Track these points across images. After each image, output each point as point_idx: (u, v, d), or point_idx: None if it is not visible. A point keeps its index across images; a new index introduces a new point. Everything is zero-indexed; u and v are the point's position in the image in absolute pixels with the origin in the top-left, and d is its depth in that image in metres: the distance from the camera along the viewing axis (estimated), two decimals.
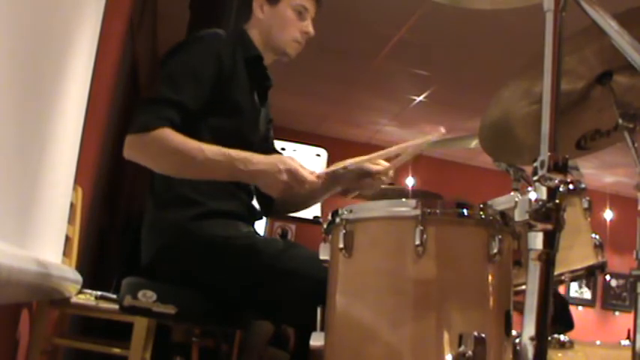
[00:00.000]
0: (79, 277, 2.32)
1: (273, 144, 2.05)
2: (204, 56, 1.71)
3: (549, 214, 0.93)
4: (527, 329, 0.92)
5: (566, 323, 4.27)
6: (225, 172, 1.65)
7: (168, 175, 1.69)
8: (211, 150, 1.62)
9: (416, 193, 3.68)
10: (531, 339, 0.91)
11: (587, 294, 7.86)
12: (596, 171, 6.96)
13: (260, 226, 4.28)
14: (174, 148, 1.60)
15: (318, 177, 1.68)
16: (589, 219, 1.59)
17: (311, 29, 1.87)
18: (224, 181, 1.70)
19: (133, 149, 1.63)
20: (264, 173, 1.63)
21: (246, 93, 1.81)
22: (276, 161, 1.65)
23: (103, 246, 4.10)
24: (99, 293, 2.58)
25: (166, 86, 1.66)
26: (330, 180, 1.87)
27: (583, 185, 1.61)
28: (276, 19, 1.85)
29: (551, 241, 0.93)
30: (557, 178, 0.93)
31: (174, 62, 1.72)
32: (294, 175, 1.63)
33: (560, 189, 0.93)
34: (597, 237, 1.58)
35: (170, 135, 1.61)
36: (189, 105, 1.65)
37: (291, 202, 1.97)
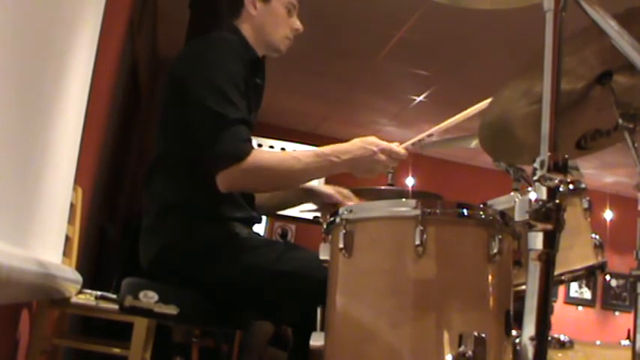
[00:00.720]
0: (79, 277, 2.32)
1: None
2: (238, 63, 1.71)
3: (549, 214, 0.93)
4: (527, 329, 0.92)
5: None
6: (323, 171, 1.68)
7: (272, 191, 1.71)
8: (306, 155, 1.65)
9: (416, 194, 3.67)
10: (531, 339, 0.91)
11: (587, 294, 7.86)
12: (596, 171, 6.96)
13: (260, 226, 4.28)
14: (275, 167, 1.62)
15: (406, 149, 1.72)
16: (589, 219, 1.59)
17: (300, 25, 1.89)
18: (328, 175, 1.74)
19: (236, 181, 1.60)
20: (361, 159, 1.66)
21: (246, 97, 1.81)
22: (364, 144, 1.68)
23: (103, 246, 4.10)
24: (99, 293, 2.58)
25: (227, 105, 1.62)
26: (306, 193, 1.96)
27: (583, 185, 1.61)
28: (269, 16, 1.85)
29: (551, 241, 0.93)
30: (557, 178, 0.93)
31: (221, 75, 1.67)
32: (388, 152, 1.67)
33: (560, 189, 0.93)
34: (597, 237, 1.58)
35: (263, 156, 1.62)
36: (249, 119, 1.67)
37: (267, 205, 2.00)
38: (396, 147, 1.70)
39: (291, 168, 1.63)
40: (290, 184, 1.74)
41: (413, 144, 1.78)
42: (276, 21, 1.85)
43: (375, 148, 1.67)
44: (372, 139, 1.70)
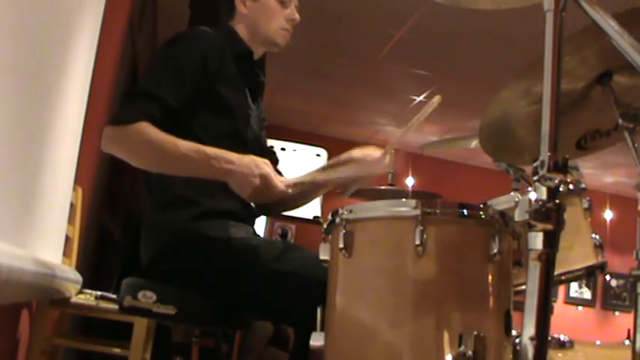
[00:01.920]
0: (79, 277, 2.32)
1: (266, 143, 2.03)
2: (189, 54, 1.71)
3: (549, 214, 0.93)
4: (527, 329, 0.92)
5: None
6: (198, 169, 1.64)
7: (143, 168, 1.69)
8: (186, 146, 1.61)
9: (416, 193, 3.68)
10: (531, 339, 0.91)
11: (587, 294, 7.86)
12: (596, 171, 6.96)
13: (260, 226, 4.27)
14: (150, 143, 1.60)
15: (287, 186, 1.67)
16: (589, 219, 1.59)
17: (297, 15, 1.88)
18: (204, 177, 1.67)
19: (111, 141, 1.63)
20: (237, 174, 1.61)
21: (237, 91, 1.80)
22: (251, 164, 1.62)
23: (103, 246, 4.10)
24: (99, 293, 2.58)
25: (149, 81, 1.68)
26: (314, 185, 1.91)
27: (583, 185, 1.61)
28: (260, 11, 1.85)
29: (551, 241, 0.93)
30: (557, 178, 0.93)
31: (160, 58, 1.72)
32: (266, 181, 1.61)
33: (560, 189, 0.93)
34: (597, 237, 1.58)
35: (147, 129, 1.60)
36: (170, 102, 1.65)
37: (284, 202, 1.97)
38: (278, 181, 1.64)
39: (166, 151, 1.60)
40: (162, 166, 1.68)
41: (295, 184, 1.73)
42: (269, 15, 1.85)
43: (256, 171, 1.61)
44: (265, 163, 1.64)
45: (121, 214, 4.80)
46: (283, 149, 4.12)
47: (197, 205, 1.70)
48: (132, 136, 1.60)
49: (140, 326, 2.40)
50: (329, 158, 4.13)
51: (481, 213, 1.20)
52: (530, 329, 0.91)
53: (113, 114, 1.65)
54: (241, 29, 1.86)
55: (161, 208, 1.73)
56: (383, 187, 2.86)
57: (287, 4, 1.86)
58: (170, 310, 1.63)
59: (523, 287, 1.02)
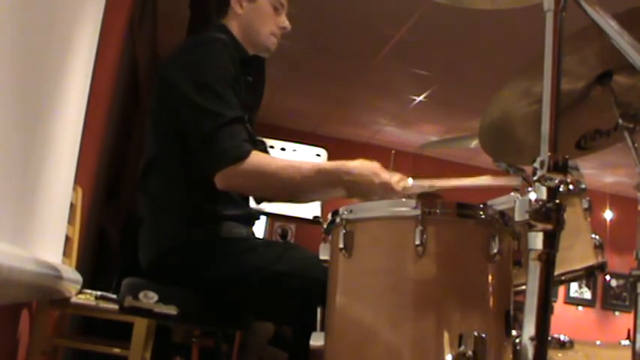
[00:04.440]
0: (79, 277, 2.32)
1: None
2: (228, 63, 1.69)
3: (549, 214, 0.93)
4: (527, 329, 0.92)
5: None
6: (320, 189, 1.66)
7: (265, 198, 1.74)
8: (306, 167, 1.64)
9: (416, 193, 3.67)
10: (531, 339, 0.91)
11: (587, 294, 7.86)
12: (596, 171, 6.96)
13: (260, 225, 4.27)
14: (274, 173, 1.60)
15: (404, 189, 1.70)
16: (589, 219, 1.59)
17: (288, 24, 1.89)
18: (323, 194, 1.71)
19: (235, 181, 1.59)
20: (360, 184, 1.63)
21: (245, 94, 1.80)
22: (370, 172, 1.64)
23: (103, 246, 4.09)
24: (99, 293, 2.58)
25: (221, 103, 1.62)
26: None
27: (583, 185, 1.61)
28: (255, 14, 1.85)
29: (551, 241, 0.93)
30: (557, 178, 0.93)
31: (213, 75, 1.66)
32: (387, 187, 1.64)
33: (560, 189, 0.93)
34: (597, 237, 1.58)
35: (264, 159, 1.61)
36: (244, 117, 1.65)
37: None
38: (395, 184, 1.67)
39: (291, 178, 1.61)
40: (287, 194, 1.71)
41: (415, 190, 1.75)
42: (263, 19, 1.85)
43: (376, 180, 1.64)
44: (377, 166, 1.66)
45: (120, 214, 4.80)
46: (283, 149, 4.11)
47: (197, 208, 1.70)
48: (254, 170, 1.58)
49: (140, 326, 2.40)
50: (329, 158, 4.13)
51: (481, 213, 1.20)
52: (530, 329, 0.91)
53: (223, 152, 1.57)
54: (234, 27, 1.85)
55: (161, 211, 1.72)
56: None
57: (280, 12, 1.87)
58: (172, 311, 1.63)
59: (523, 287, 1.02)
